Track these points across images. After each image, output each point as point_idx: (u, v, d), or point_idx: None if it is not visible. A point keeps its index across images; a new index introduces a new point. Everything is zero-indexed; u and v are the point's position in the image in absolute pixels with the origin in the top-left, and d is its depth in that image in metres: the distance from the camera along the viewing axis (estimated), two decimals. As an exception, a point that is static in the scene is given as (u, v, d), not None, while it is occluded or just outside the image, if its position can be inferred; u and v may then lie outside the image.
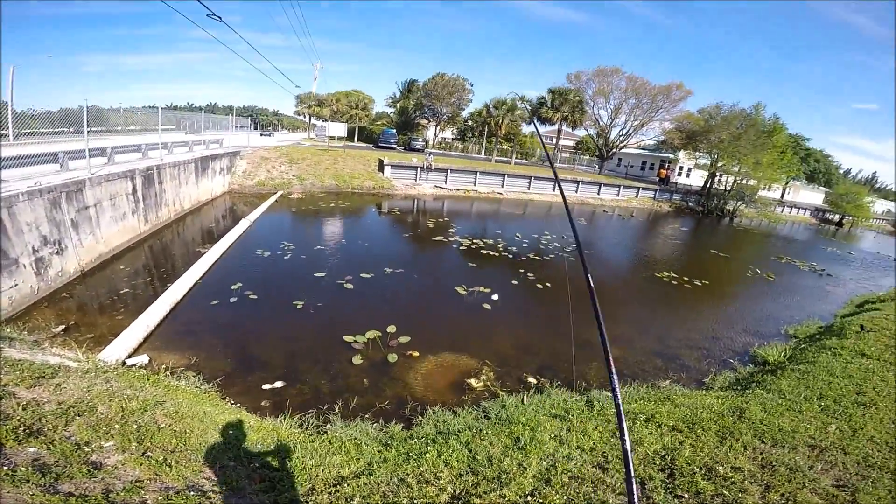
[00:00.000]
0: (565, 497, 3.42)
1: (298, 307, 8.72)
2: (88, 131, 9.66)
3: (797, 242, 29.84)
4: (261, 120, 65.05)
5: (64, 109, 10.74)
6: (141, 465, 2.94)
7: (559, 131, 44.00)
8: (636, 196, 37.18)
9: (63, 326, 6.59)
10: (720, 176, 38.87)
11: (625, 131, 42.76)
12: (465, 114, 47.20)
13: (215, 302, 8.52)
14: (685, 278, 14.93)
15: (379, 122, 52.10)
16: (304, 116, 45.70)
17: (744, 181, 37.20)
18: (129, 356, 5.94)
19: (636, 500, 0.92)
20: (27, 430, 2.93)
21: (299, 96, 41.49)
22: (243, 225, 14.00)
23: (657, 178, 43.60)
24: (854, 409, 5.51)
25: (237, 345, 7.05)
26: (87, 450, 2.93)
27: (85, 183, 8.99)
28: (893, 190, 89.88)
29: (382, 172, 26.95)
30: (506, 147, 45.47)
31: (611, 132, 43.10)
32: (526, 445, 4.24)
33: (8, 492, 2.41)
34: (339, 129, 33.15)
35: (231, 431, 3.85)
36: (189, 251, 11.47)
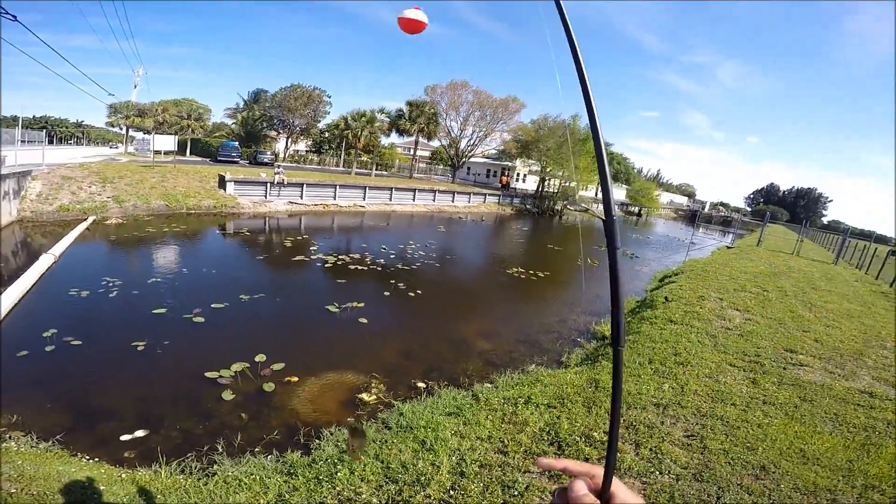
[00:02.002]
0: (482, 484, 3.76)
1: (140, 349, 7.59)
2: None
3: None
4: (59, 132, 52.93)
5: None
6: None
7: (416, 143, 45.99)
8: (484, 202, 41.48)
9: None
10: (548, 180, 45.41)
11: (472, 142, 46.90)
12: (321, 125, 46.14)
13: (24, 353, 6.99)
14: (531, 272, 17.15)
15: (217, 135, 47.60)
16: (120, 128, 39.21)
17: (567, 184, 44.27)
18: None
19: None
20: None
21: (113, 105, 36.26)
22: (46, 261, 11.41)
23: (500, 185, 48.80)
24: (676, 369, 6.79)
25: (70, 396, 5.98)
26: None
27: None
28: (674, 183, 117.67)
29: (224, 189, 24.47)
30: (365, 159, 45.91)
31: (461, 143, 46.84)
32: (433, 446, 4.48)
33: None
34: (167, 141, 28.92)
35: (102, 487, 3.34)
36: (-29, 297, 8.87)
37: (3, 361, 6.60)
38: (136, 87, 41.99)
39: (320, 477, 3.95)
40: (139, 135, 39.41)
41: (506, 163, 53.13)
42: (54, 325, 7.95)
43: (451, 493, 3.62)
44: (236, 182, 24.97)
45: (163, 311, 9.31)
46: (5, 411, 5.26)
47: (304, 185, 27.95)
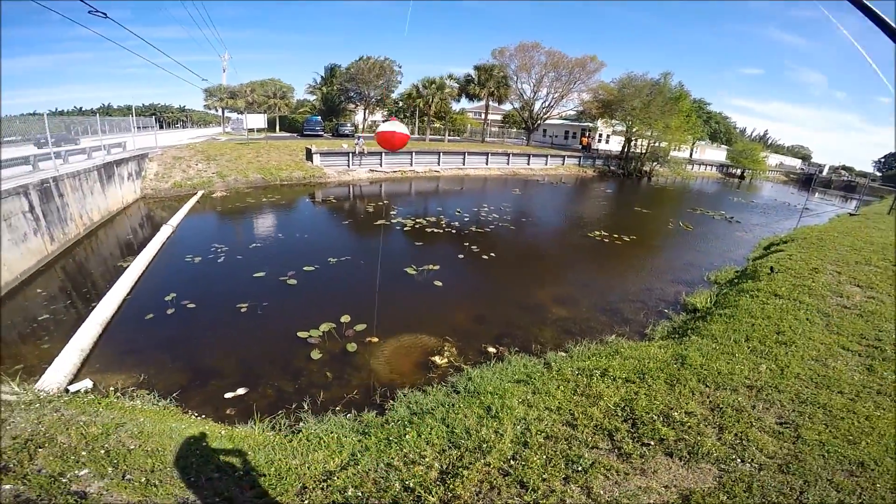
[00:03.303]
0: (545, 456, 3.66)
1: (243, 310, 8.38)
2: None
3: (708, 195, 32.96)
4: (166, 118, 59.71)
5: None
6: (125, 489, 2.83)
7: (487, 107, 44.77)
8: (563, 163, 39.31)
9: None
10: (635, 140, 41.93)
11: (547, 103, 44.49)
12: (394, 95, 46.89)
13: (150, 316, 7.98)
14: (615, 235, 16.09)
15: (301, 111, 49.92)
16: (217, 110, 43.10)
17: (657, 144, 40.54)
18: (70, 383, 5.50)
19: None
20: None
21: (208, 89, 39.27)
22: (165, 231, 12.99)
23: (580, 146, 46.26)
24: (778, 349, 6.07)
25: (186, 356, 6.72)
26: (63, 480, 2.80)
27: None
28: (784, 145, 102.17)
29: (311, 161, 25.95)
30: (438, 125, 45.76)
31: (534, 105, 44.69)
32: (498, 413, 4.45)
33: None
34: (258, 120, 31.50)
35: (205, 444, 3.74)
36: (109, 267, 10.51)
37: (129, 325, 7.65)
38: (224, 70, 44.74)
39: (390, 438, 4.11)
40: (233, 115, 42.26)
41: (586, 124, 49.89)
42: (174, 289, 8.99)
43: (512, 462, 3.58)
44: (321, 154, 26.29)
45: (262, 274, 10.15)
46: (136, 371, 6.06)
47: (383, 154, 28.52)
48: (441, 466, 3.55)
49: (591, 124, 49.29)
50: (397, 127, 5.74)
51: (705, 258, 13.82)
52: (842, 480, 3.47)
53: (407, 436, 4.07)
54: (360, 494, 3.16)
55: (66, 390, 5.26)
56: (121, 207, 16.09)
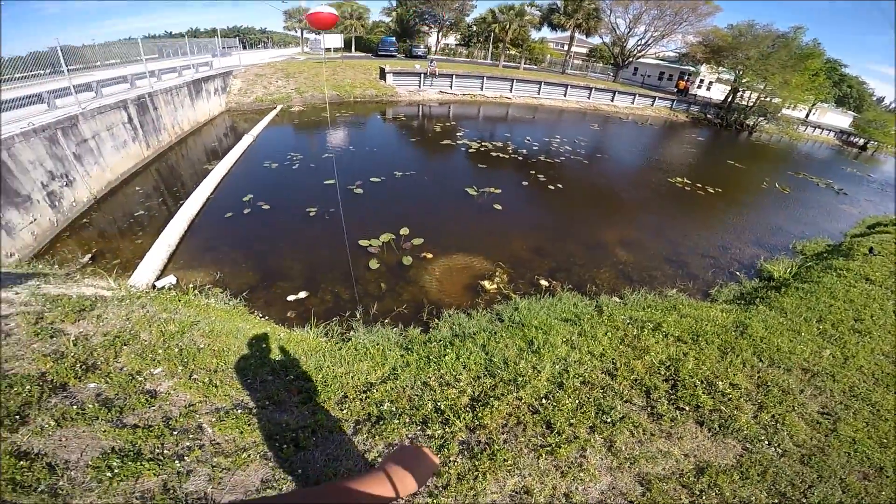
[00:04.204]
0: (577, 402, 3.56)
1: (312, 214, 8.78)
2: (68, 69, 9.30)
3: (816, 160, 28.26)
4: (249, 39, 61.23)
5: (34, 53, 10.06)
6: (190, 388, 3.07)
7: (572, 38, 40.58)
8: (652, 105, 35.58)
9: (90, 256, 6.70)
10: (742, 91, 36.56)
11: (643, 41, 39.54)
12: (468, 19, 44.49)
13: (229, 214, 8.56)
14: (698, 185, 14.70)
15: (376, 32, 49.19)
16: (296, 31, 43.49)
17: (768, 98, 35.13)
18: (158, 278, 6.09)
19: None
20: (83, 366, 3.00)
21: (287, 11, 39.59)
22: (246, 140, 13.66)
23: (675, 89, 41.46)
24: (849, 336, 5.43)
25: (257, 256, 7.12)
26: (140, 379, 3.04)
27: (78, 118, 8.80)
28: None
29: (384, 80, 25.84)
30: (513, 53, 42.72)
31: (628, 41, 39.98)
32: (539, 349, 4.36)
33: (83, 430, 2.53)
34: (335, 40, 31.31)
35: (264, 345, 3.98)
36: (196, 170, 11.29)
37: (211, 222, 8.22)
38: (304, -7, 44.65)
39: (430, 357, 4.17)
40: (311, 36, 42.02)
41: (686, 67, 43.92)
42: (252, 191, 9.56)
43: (544, 401, 3.53)
44: (394, 73, 25.97)
45: (332, 182, 10.43)
46: (213, 268, 6.54)
47: (454, 76, 27.93)
48: (473, 393, 3.58)
49: (691, 68, 43.41)
50: (324, 8, 6.37)
51: (796, 226, 12.24)
52: (853, 482, 3.15)
53: (446, 357, 4.11)
54: (394, 409, 3.27)
55: (154, 286, 5.79)
56: (207, 119, 17.07)
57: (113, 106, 10.25)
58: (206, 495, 2.35)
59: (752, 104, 36.31)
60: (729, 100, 37.54)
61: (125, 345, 3.36)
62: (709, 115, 36.90)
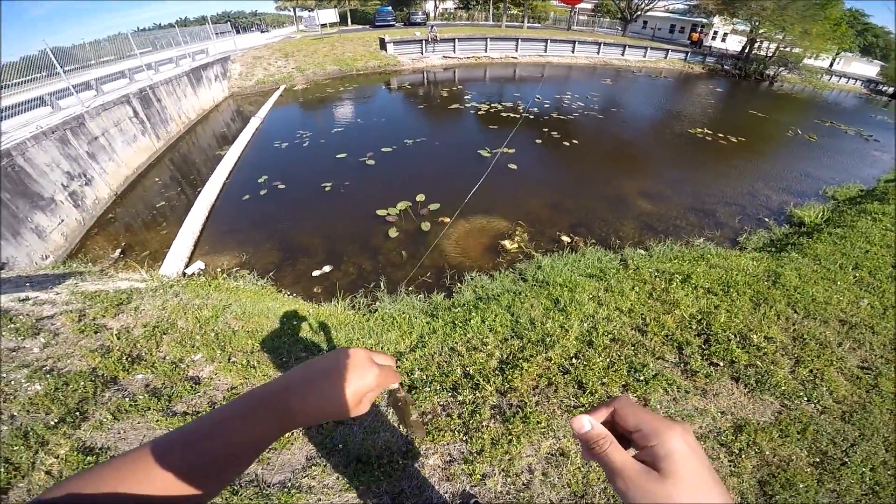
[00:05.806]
0: (608, 359, 3.48)
1: (327, 189, 8.78)
2: (64, 70, 9.42)
3: (844, 109, 26.41)
4: (241, 23, 60.53)
5: (26, 58, 10.01)
6: (230, 371, 3.11)
7: None
8: (665, 57, 33.63)
9: (119, 250, 6.84)
10: (760, 42, 34.33)
11: None
12: None
13: (247, 197, 8.61)
14: (720, 135, 14.10)
15: (372, 3, 47.39)
16: (288, 10, 42.35)
17: (787, 49, 32.84)
18: (186, 266, 6.19)
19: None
20: (129, 359, 3.07)
21: None
22: (254, 123, 13.63)
23: (689, 41, 39.41)
24: (888, 285, 5.08)
25: (279, 235, 7.17)
26: (182, 366, 3.10)
27: (84, 117, 8.84)
28: None
29: (385, 50, 25.22)
30: (515, 12, 41.02)
31: None
32: (566, 307, 4.26)
33: (138, 422, 2.61)
34: (330, 14, 30.64)
35: (295, 322, 4.01)
36: (208, 156, 11.32)
37: (230, 206, 8.29)
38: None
39: (456, 322, 4.13)
40: (305, 13, 41.07)
41: (698, 19, 41.35)
42: (265, 172, 9.57)
43: (574, 361, 3.46)
44: (395, 43, 25.28)
45: (343, 155, 10.48)
46: (238, 251, 6.61)
47: (456, 40, 27.14)
48: (502, 356, 3.54)
49: (704, 20, 40.91)
50: None
51: (826, 172, 11.56)
52: None
53: (471, 321, 4.04)
54: (424, 378, 3.27)
55: (184, 273, 5.90)
56: (212, 105, 16.99)
57: (116, 101, 10.26)
58: (256, 476, 2.41)
59: (771, 55, 34.17)
60: (746, 50, 35.36)
61: (164, 334, 3.42)
62: (726, 67, 34.81)
